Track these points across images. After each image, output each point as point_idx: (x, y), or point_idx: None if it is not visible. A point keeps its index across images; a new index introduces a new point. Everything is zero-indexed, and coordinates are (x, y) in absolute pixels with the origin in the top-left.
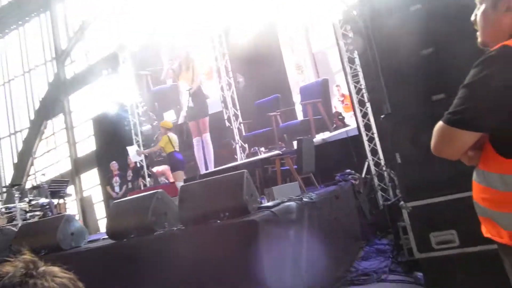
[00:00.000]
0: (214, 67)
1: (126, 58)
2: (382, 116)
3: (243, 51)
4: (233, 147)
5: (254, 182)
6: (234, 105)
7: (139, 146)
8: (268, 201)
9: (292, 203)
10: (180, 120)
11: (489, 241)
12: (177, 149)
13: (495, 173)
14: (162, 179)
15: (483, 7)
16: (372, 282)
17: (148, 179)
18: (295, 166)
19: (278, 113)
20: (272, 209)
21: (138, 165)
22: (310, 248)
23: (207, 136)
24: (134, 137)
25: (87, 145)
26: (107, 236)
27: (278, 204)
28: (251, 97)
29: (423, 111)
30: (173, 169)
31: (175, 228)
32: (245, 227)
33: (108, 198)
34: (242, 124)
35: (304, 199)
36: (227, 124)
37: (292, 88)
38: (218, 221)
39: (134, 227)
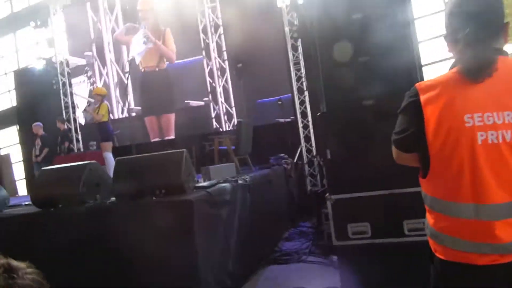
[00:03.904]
0: (197, 40)
1: (58, 10)
2: (318, 114)
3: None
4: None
5: (191, 158)
6: (227, 99)
7: (67, 108)
8: (204, 180)
9: (227, 185)
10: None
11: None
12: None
13: (422, 190)
14: (92, 144)
15: None
16: (293, 262)
17: (75, 144)
18: (233, 147)
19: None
20: (208, 190)
21: (66, 127)
22: (240, 228)
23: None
24: (62, 97)
25: (7, 99)
26: (29, 202)
27: (214, 184)
28: (250, 91)
29: (354, 114)
30: (103, 139)
31: (107, 201)
32: (181, 205)
33: (28, 160)
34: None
35: (239, 182)
36: (215, 124)
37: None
38: (154, 198)
39: (63, 196)
